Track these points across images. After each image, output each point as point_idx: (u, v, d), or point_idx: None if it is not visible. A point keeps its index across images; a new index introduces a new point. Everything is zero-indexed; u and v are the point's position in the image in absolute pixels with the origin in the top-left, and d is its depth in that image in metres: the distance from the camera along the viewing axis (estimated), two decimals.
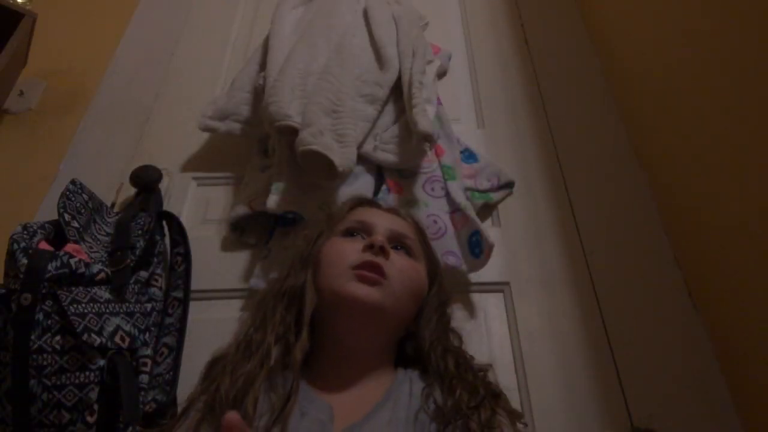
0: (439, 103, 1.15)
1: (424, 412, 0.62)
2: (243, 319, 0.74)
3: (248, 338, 0.68)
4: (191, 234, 0.96)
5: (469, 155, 1.11)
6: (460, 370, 0.67)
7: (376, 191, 1.02)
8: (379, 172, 1.05)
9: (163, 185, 1.06)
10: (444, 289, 0.80)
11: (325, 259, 0.72)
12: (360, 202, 0.85)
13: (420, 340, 0.72)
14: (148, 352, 0.79)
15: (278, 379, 0.64)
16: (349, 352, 0.70)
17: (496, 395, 0.66)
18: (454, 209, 0.98)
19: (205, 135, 1.17)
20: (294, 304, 0.70)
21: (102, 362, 0.71)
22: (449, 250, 0.93)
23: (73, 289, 0.73)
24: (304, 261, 0.74)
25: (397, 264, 0.71)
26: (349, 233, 0.76)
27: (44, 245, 0.77)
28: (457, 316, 0.88)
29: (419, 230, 0.83)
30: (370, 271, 0.68)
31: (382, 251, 0.70)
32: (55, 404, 0.67)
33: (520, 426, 0.66)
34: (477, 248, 0.92)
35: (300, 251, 0.76)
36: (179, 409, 0.77)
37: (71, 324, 0.69)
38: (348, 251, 0.71)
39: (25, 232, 0.77)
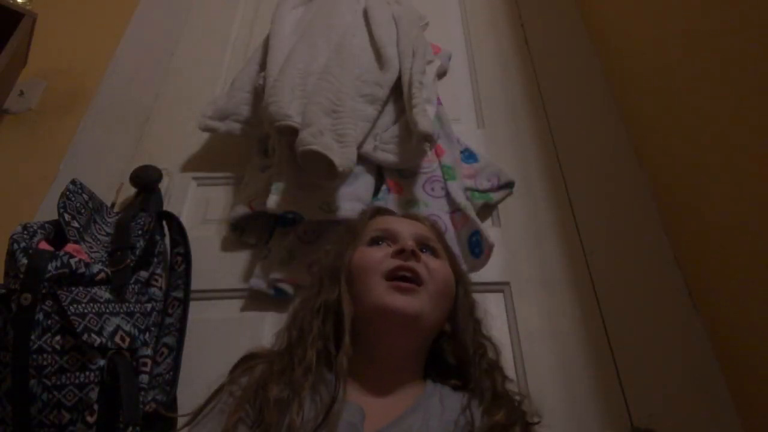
0: (439, 103, 1.15)
1: (463, 420, 0.62)
2: (278, 334, 0.73)
3: (290, 351, 0.68)
4: (191, 234, 0.96)
5: (469, 155, 1.11)
6: (502, 391, 0.68)
7: (376, 191, 1.02)
8: (379, 172, 1.05)
9: (163, 185, 1.06)
10: (471, 291, 0.80)
11: (356, 269, 0.72)
12: (378, 211, 0.86)
13: (460, 347, 0.73)
14: (148, 352, 0.79)
15: (321, 385, 0.64)
16: (385, 357, 0.70)
17: (528, 424, 0.66)
18: (454, 209, 0.98)
19: (205, 135, 1.17)
20: (329, 317, 0.70)
21: (102, 362, 0.71)
22: None
23: (73, 289, 0.73)
24: (334, 275, 0.74)
25: (429, 266, 0.72)
26: (375, 242, 0.76)
27: (44, 245, 0.77)
28: None
29: (438, 232, 0.84)
30: (406, 279, 0.69)
31: (413, 255, 0.71)
32: (55, 404, 0.67)
33: None
34: (477, 248, 0.92)
35: (326, 266, 0.76)
36: (179, 409, 0.78)
37: (71, 324, 0.69)
38: (378, 258, 0.72)
39: (25, 232, 0.77)
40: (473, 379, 0.69)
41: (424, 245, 0.76)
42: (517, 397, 0.69)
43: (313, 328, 0.68)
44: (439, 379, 0.72)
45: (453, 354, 0.74)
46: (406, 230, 0.77)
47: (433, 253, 0.76)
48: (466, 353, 0.72)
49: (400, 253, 0.71)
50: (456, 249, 0.94)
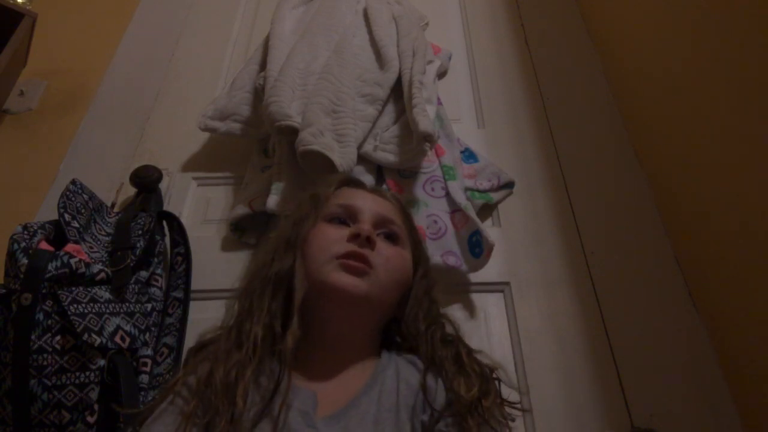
0: (439, 103, 1.15)
1: (420, 395, 0.60)
2: (230, 305, 0.70)
3: (238, 326, 0.66)
4: (191, 234, 0.96)
5: (469, 155, 1.11)
6: (460, 363, 0.64)
7: None
8: (379, 172, 1.05)
9: (163, 185, 1.06)
10: (430, 271, 0.78)
11: (310, 246, 0.70)
12: (345, 182, 0.82)
13: (410, 325, 0.70)
14: (149, 352, 0.79)
15: (266, 369, 0.61)
16: (334, 340, 0.68)
17: (490, 393, 0.62)
18: (455, 209, 0.98)
19: (205, 135, 1.17)
20: (280, 290, 0.67)
21: (102, 362, 0.71)
22: (449, 250, 0.93)
23: (74, 289, 0.73)
24: (290, 245, 0.71)
25: (383, 253, 0.69)
26: (335, 219, 0.73)
27: (44, 245, 0.77)
28: (457, 316, 0.88)
29: (404, 211, 0.80)
30: (356, 261, 0.66)
31: (368, 241, 0.68)
32: (55, 404, 0.67)
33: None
34: (477, 248, 0.92)
35: (283, 234, 0.73)
36: None
37: (72, 324, 0.69)
38: (334, 239, 0.69)
39: (25, 232, 0.77)
40: (425, 354, 0.66)
41: (384, 228, 0.73)
42: (489, 365, 0.66)
43: (263, 301, 0.66)
44: (395, 349, 0.70)
45: (404, 334, 0.71)
46: (369, 209, 0.73)
47: (392, 237, 0.73)
48: (417, 332, 0.69)
49: (356, 237, 0.68)
50: (456, 249, 0.94)
